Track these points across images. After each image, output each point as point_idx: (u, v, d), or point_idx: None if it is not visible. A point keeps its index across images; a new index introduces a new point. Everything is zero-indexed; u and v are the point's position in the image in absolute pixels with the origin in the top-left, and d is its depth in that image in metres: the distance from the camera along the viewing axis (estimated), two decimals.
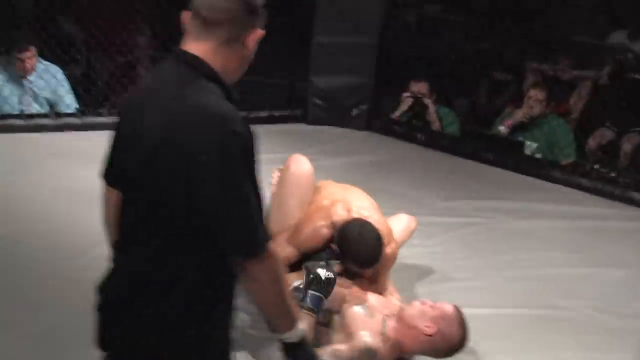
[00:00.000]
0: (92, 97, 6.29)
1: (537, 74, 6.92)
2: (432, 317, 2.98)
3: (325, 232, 3.27)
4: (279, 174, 3.77)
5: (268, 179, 4.88)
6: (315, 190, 3.50)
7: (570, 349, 3.40)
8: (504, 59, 7.32)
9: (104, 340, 1.98)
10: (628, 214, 5.33)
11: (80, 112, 6.12)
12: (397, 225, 3.53)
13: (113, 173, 2.01)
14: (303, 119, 6.88)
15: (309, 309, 2.86)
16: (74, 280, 3.59)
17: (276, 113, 6.85)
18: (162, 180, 1.80)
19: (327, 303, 2.93)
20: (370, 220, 3.26)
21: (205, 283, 1.85)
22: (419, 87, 6.49)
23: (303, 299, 2.87)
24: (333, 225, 3.26)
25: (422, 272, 4.00)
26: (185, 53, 1.86)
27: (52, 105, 6.06)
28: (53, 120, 5.96)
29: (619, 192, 5.60)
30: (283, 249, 3.19)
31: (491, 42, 7.33)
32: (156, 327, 1.87)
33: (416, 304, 3.08)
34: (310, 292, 2.88)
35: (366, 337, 2.95)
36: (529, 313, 3.70)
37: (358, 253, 3.13)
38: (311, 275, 2.90)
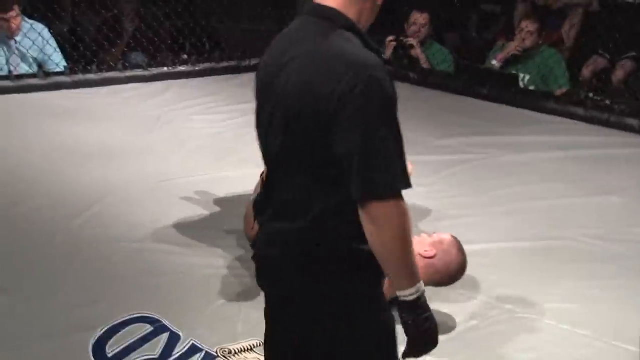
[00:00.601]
0: (80, 54, 6.23)
1: (528, 5, 6.85)
2: (430, 243, 3.03)
3: None
4: None
5: None
6: None
7: (571, 278, 3.41)
8: None
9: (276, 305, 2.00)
10: (624, 140, 5.33)
11: (69, 70, 6.07)
12: None
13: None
14: None
15: None
16: (73, 240, 3.60)
17: None
18: (304, 131, 1.80)
19: None
20: None
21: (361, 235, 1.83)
22: (421, 17, 6.47)
23: None
24: None
25: (418, 211, 4.00)
26: (321, 7, 1.88)
27: (40, 64, 6.01)
28: (42, 80, 5.91)
29: (614, 119, 5.59)
30: None
31: None
32: (318, 284, 1.88)
33: (423, 235, 3.12)
34: None
35: None
36: (529, 245, 3.71)
37: None
38: None
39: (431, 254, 3.00)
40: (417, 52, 6.49)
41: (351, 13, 1.87)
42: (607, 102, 5.75)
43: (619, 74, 6.05)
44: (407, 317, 1.85)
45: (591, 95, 5.88)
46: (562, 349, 2.89)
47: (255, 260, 2.02)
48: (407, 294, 1.83)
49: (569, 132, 5.48)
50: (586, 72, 6.28)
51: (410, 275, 1.82)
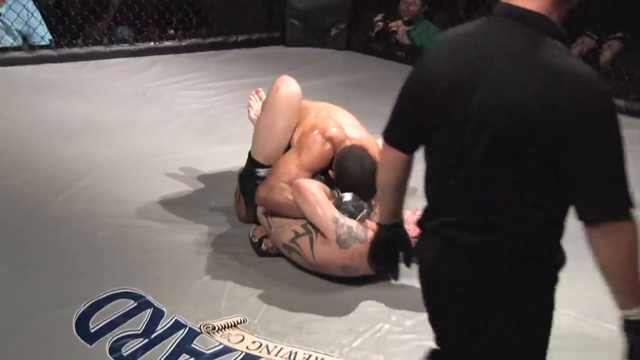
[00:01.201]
0: (65, 28, 6.18)
1: None
2: (414, 221, 3.02)
3: (328, 147, 3.29)
4: (256, 97, 3.75)
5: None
6: (302, 110, 3.47)
7: None
8: None
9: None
10: None
11: (55, 44, 6.02)
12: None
13: (407, 135, 1.93)
14: (281, 41, 6.80)
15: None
16: (58, 214, 3.59)
17: (254, 36, 6.77)
18: (518, 147, 1.72)
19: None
20: (363, 140, 3.30)
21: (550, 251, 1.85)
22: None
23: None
24: (331, 139, 3.29)
25: None
26: (521, 10, 1.74)
27: (25, 37, 5.95)
28: (27, 53, 5.86)
29: None
30: (298, 173, 3.24)
31: None
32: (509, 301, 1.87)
33: (407, 212, 3.13)
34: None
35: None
36: None
37: (356, 186, 3.17)
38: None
39: (415, 234, 2.99)
40: (401, 36, 6.47)
41: (554, 16, 1.74)
42: None
43: (606, 55, 6.05)
44: (634, 338, 1.79)
45: None
46: None
47: (433, 268, 1.94)
48: (632, 314, 1.79)
49: None
50: (573, 52, 6.28)
51: (636, 293, 1.79)
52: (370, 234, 3.04)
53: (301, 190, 3.13)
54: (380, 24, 6.54)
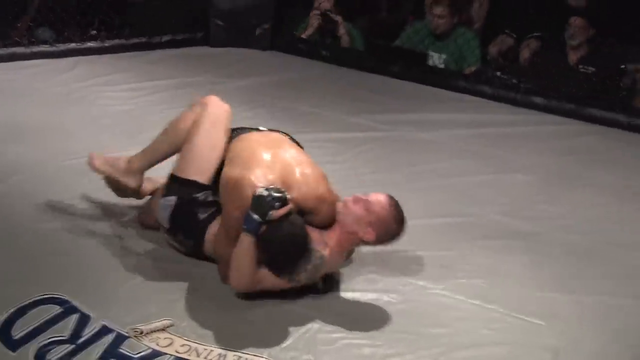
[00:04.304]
0: None
1: None
2: (368, 222, 2.94)
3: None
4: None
5: (174, 104, 4.82)
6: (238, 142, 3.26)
7: (481, 254, 3.50)
8: None
9: None
10: (530, 118, 5.47)
11: None
12: None
13: None
14: (205, 41, 6.77)
15: (247, 231, 2.89)
16: None
17: (178, 37, 6.71)
18: None
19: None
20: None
21: None
22: (325, 2, 6.45)
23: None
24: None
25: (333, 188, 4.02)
26: None
27: None
28: None
29: (521, 98, 5.73)
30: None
31: None
32: None
33: (349, 202, 3.02)
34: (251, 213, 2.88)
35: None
36: (439, 222, 3.78)
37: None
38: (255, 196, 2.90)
39: (371, 237, 2.97)
40: (341, 29, 6.46)
41: None
42: (514, 80, 5.88)
43: (525, 53, 6.18)
44: None
45: (498, 73, 6.00)
46: (473, 324, 2.96)
47: None
48: None
49: (477, 110, 5.59)
50: (493, 50, 6.38)
51: None
52: (327, 252, 2.97)
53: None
54: (319, 18, 6.50)
